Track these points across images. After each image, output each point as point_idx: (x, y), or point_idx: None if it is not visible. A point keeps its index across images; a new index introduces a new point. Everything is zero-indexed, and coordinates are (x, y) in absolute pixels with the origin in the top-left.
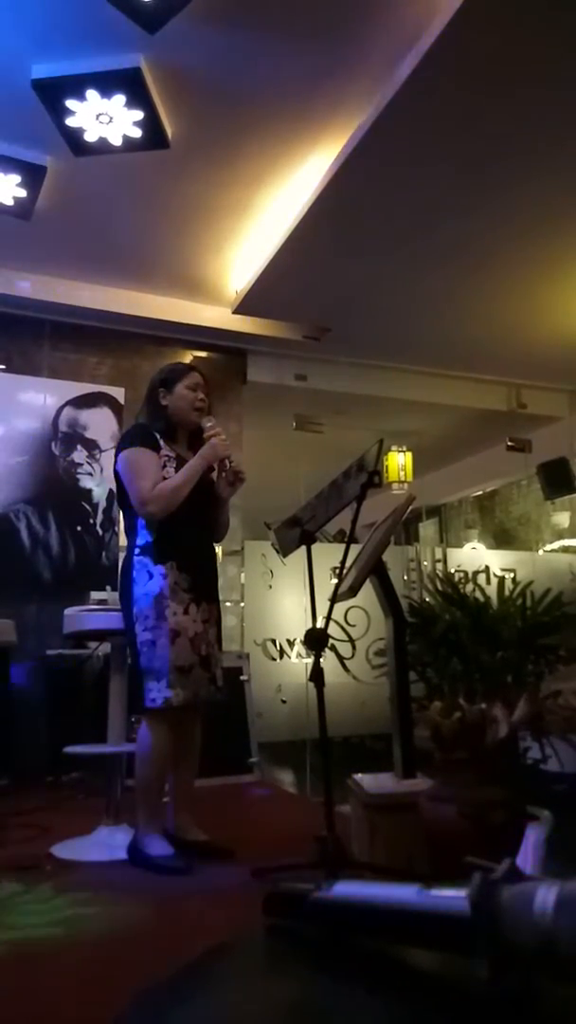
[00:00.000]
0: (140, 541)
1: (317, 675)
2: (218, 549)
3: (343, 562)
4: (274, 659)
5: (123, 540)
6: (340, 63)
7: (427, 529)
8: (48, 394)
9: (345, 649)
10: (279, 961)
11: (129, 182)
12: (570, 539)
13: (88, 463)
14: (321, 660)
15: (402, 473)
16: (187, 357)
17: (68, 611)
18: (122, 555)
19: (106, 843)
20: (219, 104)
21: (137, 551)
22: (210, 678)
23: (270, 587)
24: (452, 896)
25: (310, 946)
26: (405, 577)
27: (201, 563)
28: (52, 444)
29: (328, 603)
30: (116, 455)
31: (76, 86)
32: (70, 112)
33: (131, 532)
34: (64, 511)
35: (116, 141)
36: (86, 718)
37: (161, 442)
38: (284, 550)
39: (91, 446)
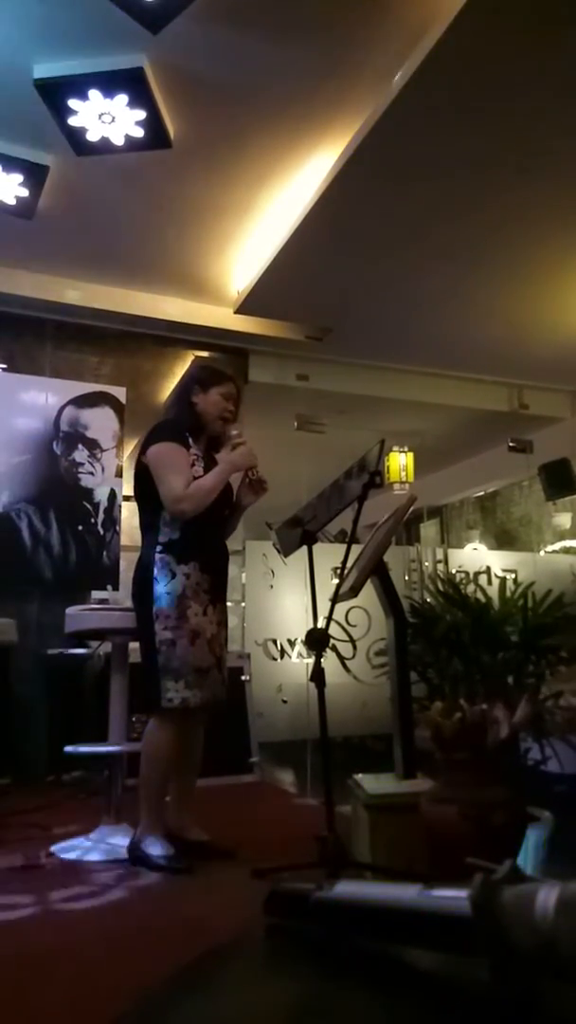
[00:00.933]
0: (163, 538)
1: (318, 675)
2: None
3: (344, 562)
4: (275, 659)
5: (124, 539)
6: (342, 64)
7: (428, 530)
8: (50, 393)
9: (346, 649)
10: (280, 961)
11: (131, 182)
12: (571, 540)
13: (89, 462)
14: (322, 660)
15: (403, 473)
16: (189, 357)
17: (69, 610)
18: (125, 554)
19: (107, 843)
20: (221, 104)
21: (159, 548)
22: (222, 680)
23: (271, 587)
24: (453, 897)
25: (311, 946)
26: (406, 577)
27: (219, 565)
28: (53, 443)
29: (329, 603)
30: (144, 448)
31: (78, 86)
32: (72, 112)
33: (151, 529)
34: (65, 510)
35: (118, 141)
36: (87, 717)
37: (190, 440)
38: (285, 550)
39: (92, 445)
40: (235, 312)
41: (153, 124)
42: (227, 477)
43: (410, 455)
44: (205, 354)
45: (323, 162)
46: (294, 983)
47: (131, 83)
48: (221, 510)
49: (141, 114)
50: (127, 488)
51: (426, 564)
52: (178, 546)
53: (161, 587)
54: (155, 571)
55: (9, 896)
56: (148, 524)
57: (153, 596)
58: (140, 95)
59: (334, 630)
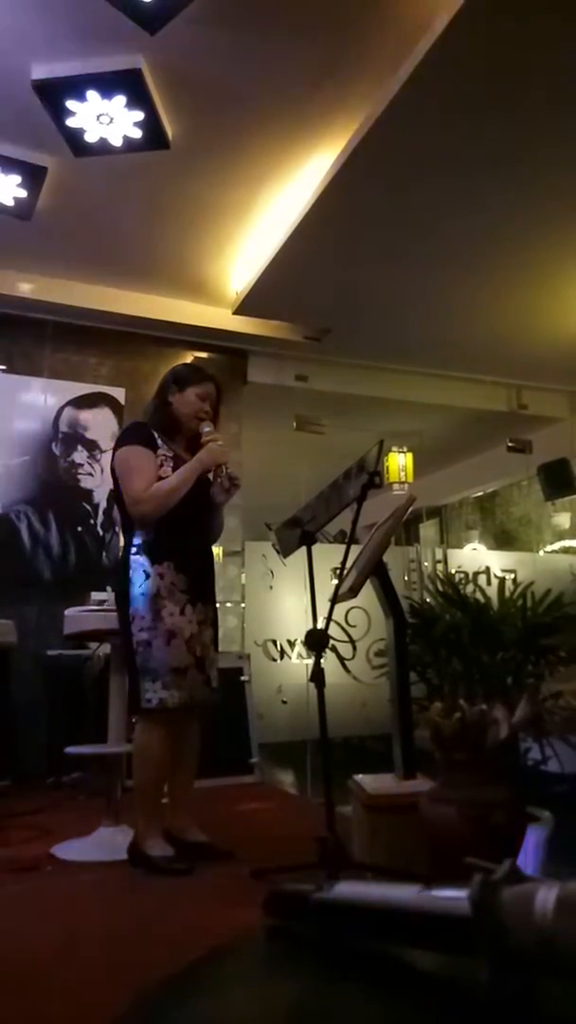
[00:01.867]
0: (137, 540)
1: (317, 676)
2: (216, 550)
3: (343, 563)
4: (275, 660)
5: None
6: (341, 64)
7: (428, 530)
8: (49, 394)
9: (346, 650)
10: (279, 962)
11: (129, 183)
12: (570, 540)
13: (88, 463)
14: (322, 661)
15: (403, 474)
16: (188, 358)
17: (69, 612)
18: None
19: (107, 844)
20: (220, 105)
21: (134, 550)
22: (205, 680)
23: (271, 588)
24: (452, 897)
25: (311, 947)
26: (406, 578)
27: (198, 564)
28: (52, 445)
29: (328, 604)
30: (113, 453)
31: (76, 87)
32: (70, 113)
33: (128, 530)
34: (65, 511)
35: (116, 142)
36: (87, 718)
37: (160, 440)
38: (285, 551)
39: (91, 446)
40: (233, 313)
41: (151, 125)
42: (194, 475)
43: (409, 455)
44: (204, 355)
45: (322, 162)
46: (294, 984)
47: (129, 84)
48: (196, 509)
49: (139, 115)
50: None
51: (425, 564)
52: (151, 547)
53: (136, 588)
54: (130, 573)
55: (9, 898)
56: (126, 526)
57: (129, 598)
58: (138, 96)
59: (334, 631)
